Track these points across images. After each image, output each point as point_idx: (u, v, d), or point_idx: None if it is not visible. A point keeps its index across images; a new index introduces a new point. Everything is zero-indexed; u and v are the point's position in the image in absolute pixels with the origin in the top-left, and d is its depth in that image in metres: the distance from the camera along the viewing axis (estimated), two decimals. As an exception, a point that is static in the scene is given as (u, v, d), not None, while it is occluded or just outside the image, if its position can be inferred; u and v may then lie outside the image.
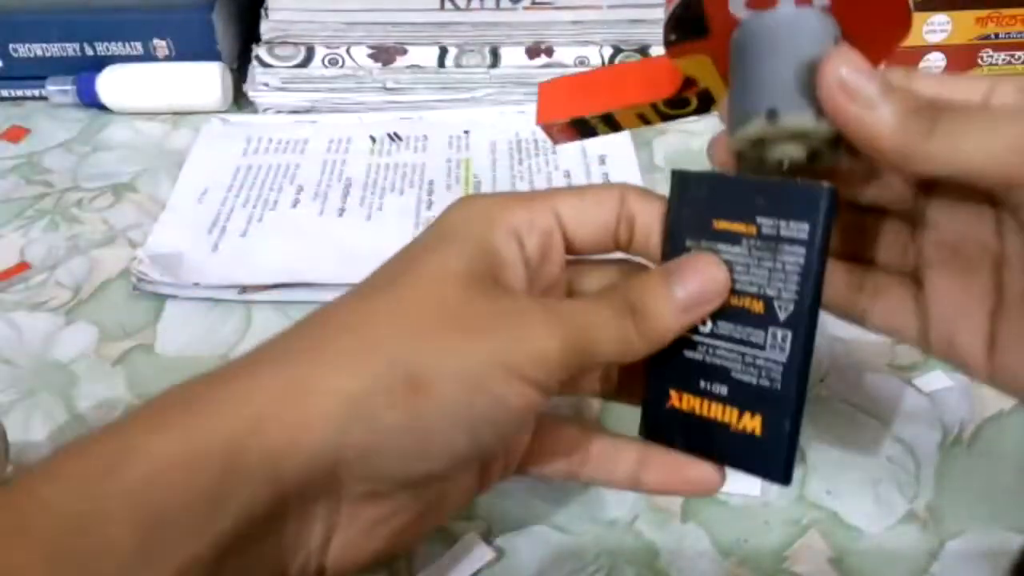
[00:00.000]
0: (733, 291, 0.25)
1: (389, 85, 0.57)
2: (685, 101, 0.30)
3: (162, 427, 0.21)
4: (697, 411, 0.26)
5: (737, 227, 0.25)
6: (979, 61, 0.60)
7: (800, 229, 0.24)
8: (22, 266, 0.45)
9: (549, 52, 0.56)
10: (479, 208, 0.25)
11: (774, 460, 0.25)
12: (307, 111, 0.57)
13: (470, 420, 0.22)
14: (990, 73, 0.60)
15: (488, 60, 0.56)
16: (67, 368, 0.39)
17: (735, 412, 0.25)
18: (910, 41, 0.59)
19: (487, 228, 0.25)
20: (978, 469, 0.33)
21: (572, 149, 0.52)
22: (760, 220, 0.24)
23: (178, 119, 0.58)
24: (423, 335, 0.22)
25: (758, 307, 0.25)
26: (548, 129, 0.33)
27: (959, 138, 0.22)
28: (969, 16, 0.59)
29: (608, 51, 0.56)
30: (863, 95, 0.22)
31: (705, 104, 0.27)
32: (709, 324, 0.25)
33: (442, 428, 0.22)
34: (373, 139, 0.54)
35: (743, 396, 0.25)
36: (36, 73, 0.58)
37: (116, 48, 0.58)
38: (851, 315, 0.27)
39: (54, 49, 0.58)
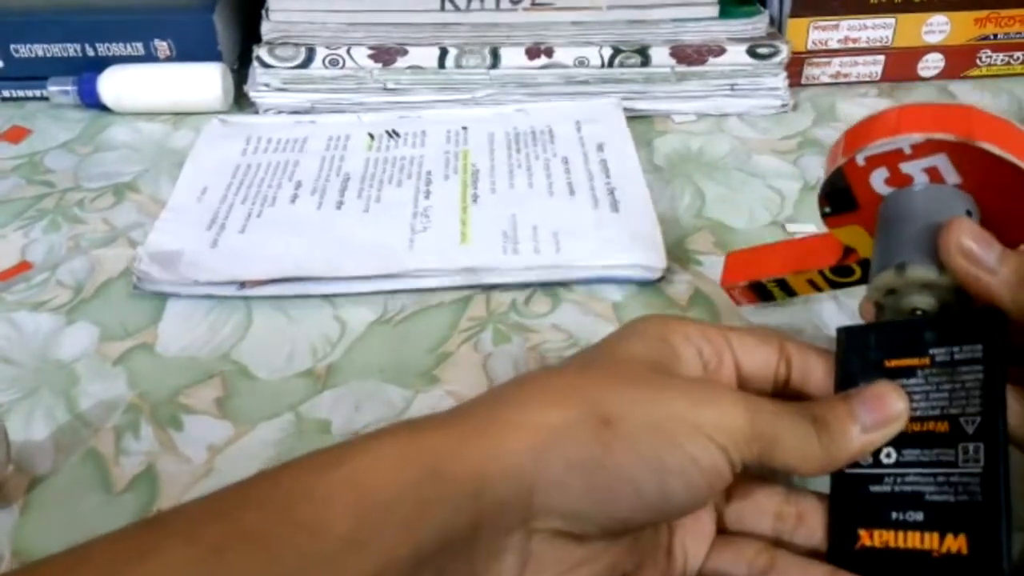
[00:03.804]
0: (914, 418, 0.26)
1: (389, 86, 0.57)
2: (849, 270, 0.33)
3: (379, 437, 0.24)
4: (891, 544, 0.25)
5: (910, 362, 0.26)
6: (977, 62, 0.60)
7: (975, 350, 0.25)
8: (23, 266, 0.45)
9: (549, 53, 0.56)
10: (660, 318, 0.29)
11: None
12: (307, 111, 0.57)
13: (659, 467, 0.23)
14: (988, 73, 0.60)
15: (488, 61, 0.56)
16: (68, 368, 0.39)
17: (935, 536, 0.24)
18: (909, 42, 0.59)
19: (667, 331, 0.28)
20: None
21: (569, 137, 0.52)
22: (932, 351, 0.26)
23: (179, 119, 0.58)
24: (616, 388, 0.25)
25: (943, 427, 0.25)
26: (730, 290, 0.37)
27: None
28: (968, 17, 0.59)
29: (608, 52, 0.56)
30: (980, 260, 0.25)
31: (868, 273, 0.29)
32: (893, 454, 0.26)
33: (631, 468, 0.23)
34: (371, 136, 0.54)
35: (942, 517, 0.24)
36: (37, 73, 0.58)
37: (117, 48, 0.58)
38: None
39: (55, 49, 0.58)
